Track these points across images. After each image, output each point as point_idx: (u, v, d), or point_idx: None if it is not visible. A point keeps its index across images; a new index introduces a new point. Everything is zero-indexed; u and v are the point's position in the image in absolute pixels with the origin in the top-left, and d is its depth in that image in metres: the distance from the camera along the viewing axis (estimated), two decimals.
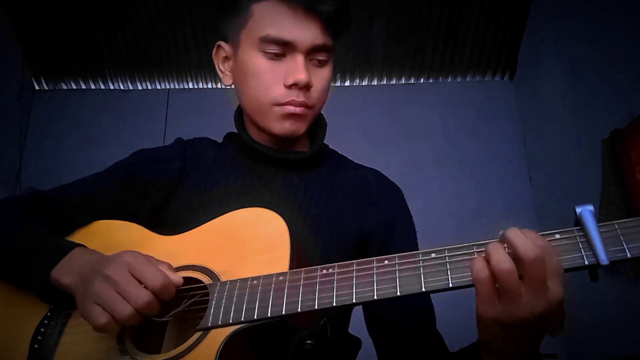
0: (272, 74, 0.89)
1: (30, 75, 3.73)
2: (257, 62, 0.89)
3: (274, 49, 0.88)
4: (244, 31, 0.91)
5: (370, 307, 0.91)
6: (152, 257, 0.75)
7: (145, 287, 0.69)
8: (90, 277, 0.71)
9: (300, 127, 0.91)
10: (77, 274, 0.75)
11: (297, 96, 0.88)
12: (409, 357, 0.87)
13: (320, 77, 0.91)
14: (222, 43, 0.97)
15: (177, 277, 0.73)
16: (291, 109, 0.89)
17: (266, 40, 0.88)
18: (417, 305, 0.90)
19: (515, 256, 0.58)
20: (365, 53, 3.63)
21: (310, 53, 0.89)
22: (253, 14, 0.90)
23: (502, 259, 0.58)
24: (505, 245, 0.60)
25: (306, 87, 0.89)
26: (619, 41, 2.51)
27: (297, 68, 0.88)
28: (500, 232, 0.62)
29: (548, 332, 0.62)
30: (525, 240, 0.58)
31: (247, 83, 0.91)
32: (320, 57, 0.91)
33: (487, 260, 0.59)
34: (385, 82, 3.82)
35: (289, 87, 0.88)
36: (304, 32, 0.88)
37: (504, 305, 0.59)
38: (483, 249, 0.62)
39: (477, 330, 0.66)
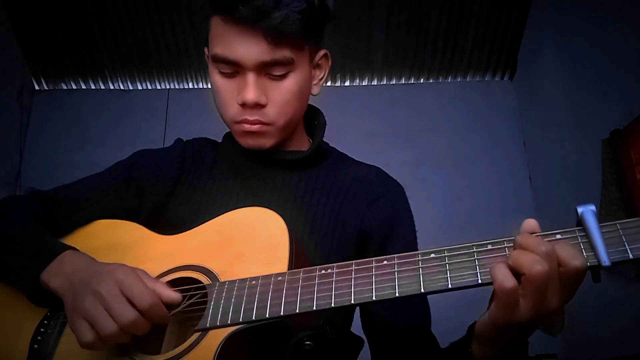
0: (227, 92, 0.88)
1: (30, 75, 3.73)
2: (215, 78, 0.89)
3: (224, 68, 0.86)
4: (207, 45, 0.90)
5: (367, 306, 0.90)
6: (146, 274, 0.73)
7: (134, 306, 0.68)
8: (81, 291, 0.70)
9: (264, 142, 0.90)
10: (65, 279, 0.75)
11: (250, 115, 0.87)
12: (403, 357, 0.87)
13: (279, 90, 0.87)
14: (205, 49, 0.95)
15: (174, 295, 0.72)
16: (246, 127, 0.88)
17: (216, 60, 0.86)
18: (414, 306, 0.89)
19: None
20: (365, 53, 3.62)
21: (262, 69, 0.85)
22: (210, 28, 0.88)
23: (534, 261, 0.57)
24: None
25: (258, 106, 0.86)
26: (619, 41, 2.51)
27: (245, 87, 0.85)
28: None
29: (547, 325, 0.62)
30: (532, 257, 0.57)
31: (215, 96, 0.91)
32: (276, 73, 0.86)
33: (509, 265, 0.58)
34: (385, 82, 3.82)
35: (241, 105, 0.87)
36: (249, 49, 0.83)
37: (532, 307, 0.58)
38: (483, 249, 0.62)
39: (479, 326, 0.65)
